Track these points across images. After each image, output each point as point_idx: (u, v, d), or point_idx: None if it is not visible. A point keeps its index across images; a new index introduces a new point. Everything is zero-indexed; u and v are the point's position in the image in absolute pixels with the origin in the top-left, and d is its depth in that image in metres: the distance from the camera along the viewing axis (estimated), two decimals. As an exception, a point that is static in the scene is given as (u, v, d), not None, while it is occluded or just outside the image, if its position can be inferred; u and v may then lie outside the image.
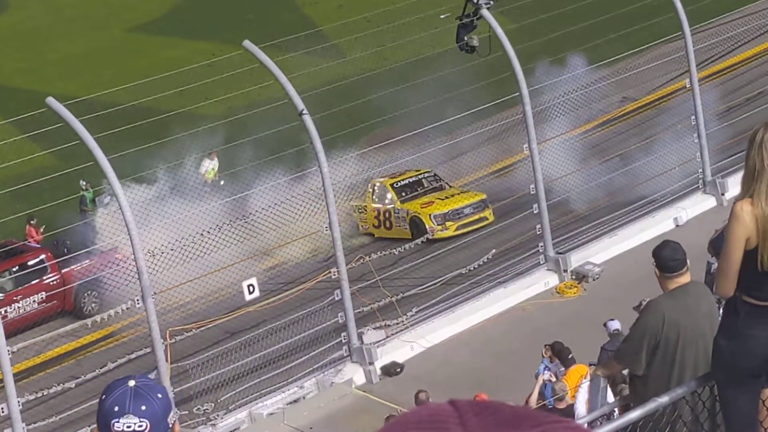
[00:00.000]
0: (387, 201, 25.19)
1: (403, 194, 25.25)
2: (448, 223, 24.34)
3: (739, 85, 27.58)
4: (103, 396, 4.07)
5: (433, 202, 24.88)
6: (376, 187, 25.40)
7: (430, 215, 24.53)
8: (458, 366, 19.14)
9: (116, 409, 4.01)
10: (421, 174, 25.69)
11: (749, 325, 6.13)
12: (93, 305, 21.76)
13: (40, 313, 21.67)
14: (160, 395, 4.06)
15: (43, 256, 22.74)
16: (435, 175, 25.77)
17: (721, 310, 8.20)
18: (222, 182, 24.10)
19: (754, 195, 5.95)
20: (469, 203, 24.74)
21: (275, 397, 18.70)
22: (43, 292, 21.23)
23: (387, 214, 25.09)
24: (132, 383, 4.06)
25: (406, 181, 25.49)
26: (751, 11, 29.98)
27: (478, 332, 20.21)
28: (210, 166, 24.68)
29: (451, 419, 1.63)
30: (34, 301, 21.79)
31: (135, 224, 17.45)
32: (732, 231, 5.97)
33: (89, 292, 21.73)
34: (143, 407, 4.01)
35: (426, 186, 25.59)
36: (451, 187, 25.55)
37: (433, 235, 23.79)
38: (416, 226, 24.51)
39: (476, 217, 24.53)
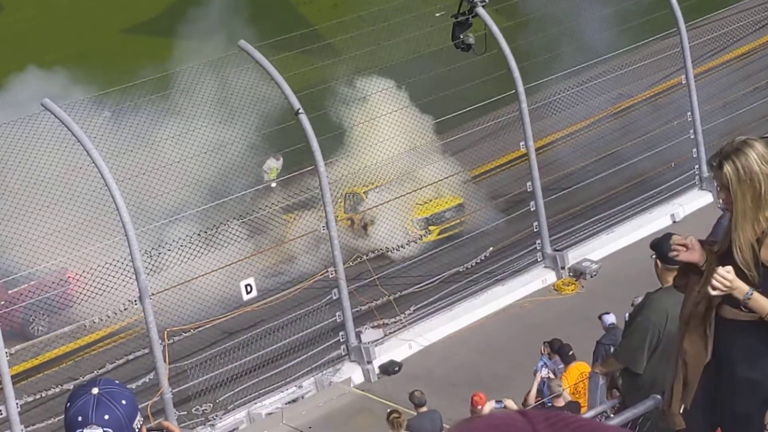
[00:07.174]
0: (363, 208, 24.13)
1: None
2: (431, 227, 23.63)
3: (734, 81, 27.58)
4: (68, 404, 3.98)
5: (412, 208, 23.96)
6: (350, 196, 24.42)
7: (412, 220, 23.69)
8: (457, 364, 19.14)
9: (79, 419, 3.92)
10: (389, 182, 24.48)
11: None
12: (41, 327, 21.12)
13: None
14: (124, 401, 3.97)
15: None
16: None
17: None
18: (274, 185, 23.60)
19: None
20: (449, 207, 23.98)
21: (274, 397, 18.70)
22: None
23: (363, 223, 24.01)
24: (95, 391, 3.96)
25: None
26: (746, 7, 29.98)
27: (477, 330, 20.21)
28: (274, 165, 24.68)
29: (524, 428, 1.62)
30: None
31: (132, 225, 17.46)
32: None
33: (36, 314, 20.99)
34: (106, 416, 3.92)
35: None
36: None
37: (419, 240, 23.20)
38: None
39: (456, 221, 23.78)
